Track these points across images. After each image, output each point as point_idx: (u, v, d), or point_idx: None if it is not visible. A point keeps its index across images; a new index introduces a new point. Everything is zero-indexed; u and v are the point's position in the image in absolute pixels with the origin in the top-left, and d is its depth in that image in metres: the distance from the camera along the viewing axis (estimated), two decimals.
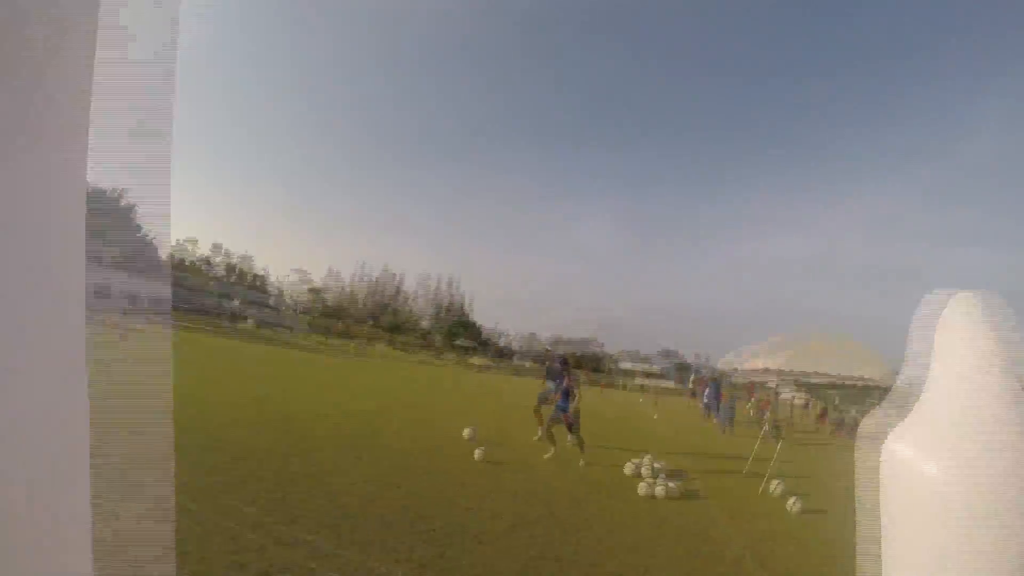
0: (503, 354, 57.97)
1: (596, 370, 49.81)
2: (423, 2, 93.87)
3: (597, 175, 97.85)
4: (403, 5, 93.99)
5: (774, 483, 6.50)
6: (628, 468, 6.38)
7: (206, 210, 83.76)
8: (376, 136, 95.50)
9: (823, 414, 19.08)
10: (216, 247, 61.49)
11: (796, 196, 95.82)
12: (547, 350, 9.90)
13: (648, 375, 48.84)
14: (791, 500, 5.87)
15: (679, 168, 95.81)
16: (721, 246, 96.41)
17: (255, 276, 61.15)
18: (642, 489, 5.53)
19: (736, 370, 14.16)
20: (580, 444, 6.75)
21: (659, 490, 5.53)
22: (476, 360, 50.17)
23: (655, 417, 17.33)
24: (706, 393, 16.58)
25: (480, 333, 62.46)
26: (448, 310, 61.57)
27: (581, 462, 6.56)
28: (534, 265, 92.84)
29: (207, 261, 58.57)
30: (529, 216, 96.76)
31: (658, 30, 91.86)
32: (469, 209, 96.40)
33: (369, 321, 56.56)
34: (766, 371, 10.76)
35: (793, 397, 19.96)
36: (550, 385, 7.83)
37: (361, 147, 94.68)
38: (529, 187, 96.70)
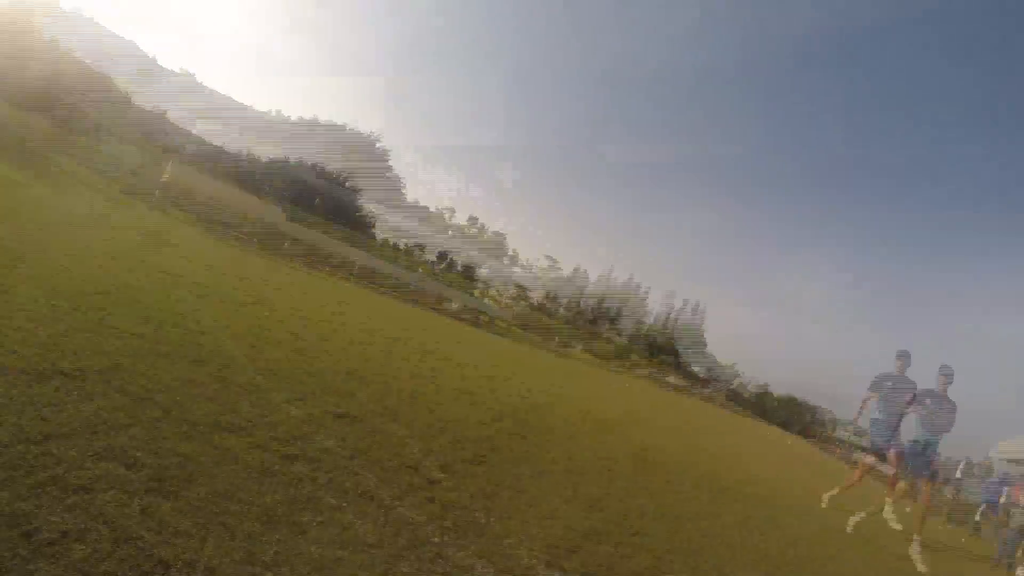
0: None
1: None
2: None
3: (846, 228, 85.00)
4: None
5: None
6: None
7: (468, 191, 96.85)
8: (644, 158, 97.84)
9: None
10: (472, 219, 65.86)
11: None
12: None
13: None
14: None
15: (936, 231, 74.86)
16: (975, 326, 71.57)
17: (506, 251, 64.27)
18: None
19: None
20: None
21: None
22: (672, 379, 47.03)
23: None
24: (985, 497, 11.53)
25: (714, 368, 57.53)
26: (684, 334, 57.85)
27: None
28: (788, 319, 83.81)
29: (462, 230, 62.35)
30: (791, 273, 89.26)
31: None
32: (735, 245, 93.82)
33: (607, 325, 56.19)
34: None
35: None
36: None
37: (628, 164, 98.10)
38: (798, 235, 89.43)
